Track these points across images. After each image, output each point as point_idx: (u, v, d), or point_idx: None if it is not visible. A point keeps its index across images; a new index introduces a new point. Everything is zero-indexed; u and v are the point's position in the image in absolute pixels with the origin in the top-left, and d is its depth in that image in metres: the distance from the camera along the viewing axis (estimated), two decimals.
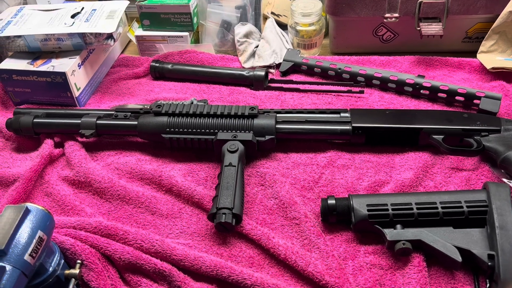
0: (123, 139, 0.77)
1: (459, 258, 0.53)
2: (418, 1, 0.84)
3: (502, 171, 0.65)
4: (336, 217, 0.59)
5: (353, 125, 0.69)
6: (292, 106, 0.81)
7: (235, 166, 0.64)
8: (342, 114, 0.72)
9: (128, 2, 0.88)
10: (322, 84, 0.85)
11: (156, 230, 0.62)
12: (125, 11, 1.00)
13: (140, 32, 0.95)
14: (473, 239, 0.54)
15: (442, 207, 0.56)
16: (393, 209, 0.57)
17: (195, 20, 0.94)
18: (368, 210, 0.57)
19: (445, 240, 0.54)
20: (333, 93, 0.83)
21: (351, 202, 0.58)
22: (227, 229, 0.59)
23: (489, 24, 0.86)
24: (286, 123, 0.71)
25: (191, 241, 0.60)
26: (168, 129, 0.70)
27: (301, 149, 0.72)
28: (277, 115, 0.73)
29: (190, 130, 0.70)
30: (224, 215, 0.57)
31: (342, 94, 0.83)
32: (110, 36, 0.83)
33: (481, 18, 0.87)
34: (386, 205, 0.57)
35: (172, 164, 0.71)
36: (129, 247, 0.56)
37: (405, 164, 0.68)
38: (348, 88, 0.83)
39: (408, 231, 0.56)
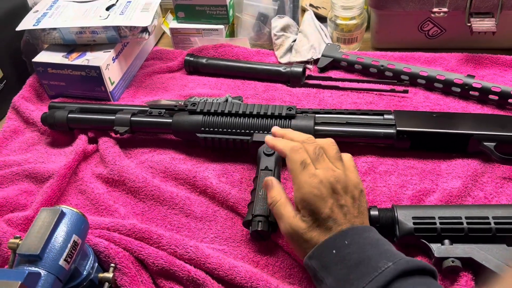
0: (157, 136, 0.75)
1: None
2: None
3: None
4: (379, 229, 0.56)
5: (397, 128, 0.66)
6: (330, 105, 0.78)
7: (271, 170, 0.61)
8: (385, 116, 0.68)
9: None
10: (363, 82, 0.81)
11: (191, 233, 0.60)
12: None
13: (174, 24, 0.93)
14: None
15: (495, 223, 0.52)
16: (441, 223, 0.53)
17: (231, 12, 0.91)
18: (414, 223, 0.53)
19: (498, 258, 0.50)
20: (375, 92, 0.79)
21: (396, 214, 0.55)
22: (262, 237, 0.57)
23: None
24: (325, 125, 0.68)
25: (226, 246, 0.58)
26: (203, 128, 0.68)
27: (341, 151, 0.69)
28: (316, 115, 0.69)
29: (225, 130, 0.67)
30: (260, 223, 0.55)
31: (384, 93, 0.79)
32: (145, 29, 0.81)
33: None
34: (434, 218, 0.53)
35: (206, 164, 0.69)
36: (163, 252, 0.55)
37: (453, 172, 0.64)
38: (391, 87, 0.78)
39: (458, 247, 0.52)
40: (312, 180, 0.48)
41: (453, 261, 0.51)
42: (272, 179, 0.54)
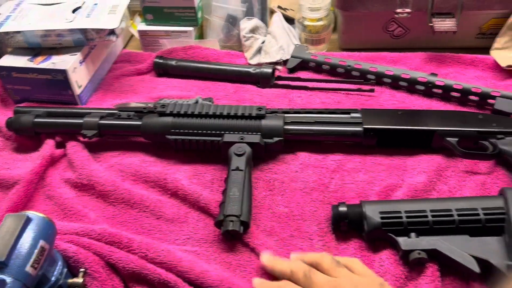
0: (126, 139, 0.74)
1: (477, 269, 0.51)
2: None
3: None
4: (348, 225, 0.57)
5: (364, 126, 0.67)
6: (300, 105, 0.79)
7: (242, 170, 0.61)
8: (352, 115, 0.70)
9: None
10: (331, 82, 0.82)
11: (163, 235, 0.60)
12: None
13: (143, 26, 0.92)
14: (490, 248, 0.52)
15: (458, 215, 0.54)
16: (407, 217, 0.54)
17: (199, 14, 0.91)
18: (381, 218, 0.55)
19: (461, 249, 0.52)
20: (343, 92, 0.81)
21: (364, 210, 0.56)
22: (235, 237, 0.57)
23: (504, 20, 0.83)
24: (294, 124, 0.69)
25: (198, 247, 0.58)
26: (173, 130, 0.68)
27: (309, 149, 0.70)
28: (286, 115, 0.70)
29: (195, 131, 0.67)
30: (231, 223, 0.55)
31: (351, 92, 0.81)
32: (112, 31, 0.80)
33: (496, 13, 0.84)
34: (400, 212, 0.55)
35: (177, 165, 0.69)
36: (134, 255, 0.54)
37: (418, 167, 0.66)
38: (358, 86, 0.80)
39: (423, 239, 0.54)
40: None
41: (419, 253, 0.52)
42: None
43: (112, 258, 0.54)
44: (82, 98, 0.81)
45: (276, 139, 0.67)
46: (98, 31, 0.79)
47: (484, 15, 0.85)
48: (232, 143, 0.65)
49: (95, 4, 0.82)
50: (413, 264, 0.53)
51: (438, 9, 0.82)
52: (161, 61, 0.87)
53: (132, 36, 1.00)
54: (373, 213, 0.55)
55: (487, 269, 0.51)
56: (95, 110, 0.73)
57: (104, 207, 0.64)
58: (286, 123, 0.69)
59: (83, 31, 0.78)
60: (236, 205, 0.57)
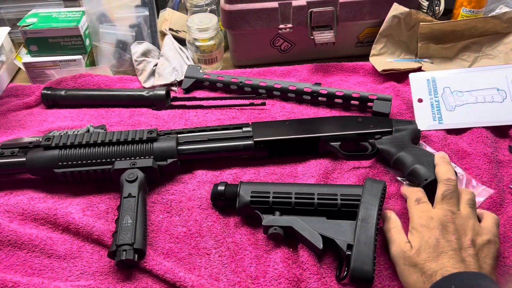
0: (13, 177, 0.70)
1: (320, 245, 0.56)
2: (309, 11, 0.86)
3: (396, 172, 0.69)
4: (224, 202, 0.63)
5: (254, 139, 0.70)
6: (196, 124, 0.80)
7: (134, 196, 0.61)
8: (244, 129, 0.72)
9: (9, 28, 0.82)
10: (225, 99, 0.84)
11: (54, 274, 0.57)
12: (10, 37, 0.94)
13: (28, 58, 0.89)
14: (341, 230, 0.57)
15: (318, 198, 0.59)
16: (274, 197, 0.60)
17: (87, 42, 0.90)
18: (251, 197, 0.60)
19: (315, 228, 0.57)
20: (237, 107, 0.83)
21: (238, 189, 0.61)
22: (130, 266, 0.56)
23: (377, 29, 0.91)
24: (188, 144, 0.70)
25: (93, 281, 0.56)
26: (60, 163, 0.65)
27: (206, 166, 0.71)
28: (179, 136, 0.71)
29: (85, 161, 0.66)
30: (124, 252, 0.54)
31: (245, 107, 0.83)
32: None
33: (369, 23, 0.92)
34: (269, 193, 0.61)
35: (70, 199, 0.67)
36: None
37: (307, 173, 0.69)
38: (251, 101, 0.83)
39: (283, 218, 0.59)
40: (422, 214, 0.55)
41: (275, 229, 0.58)
42: (391, 212, 0.59)
43: None
44: None
45: (170, 160, 0.67)
46: None
47: (359, 25, 0.92)
48: (123, 170, 0.64)
49: None
50: (271, 238, 0.60)
51: (316, 23, 0.88)
52: (49, 92, 0.84)
53: (19, 69, 0.96)
54: (245, 192, 0.61)
55: (335, 247, 0.57)
56: None
57: None
58: (179, 144, 0.69)
59: None
60: (129, 233, 0.56)
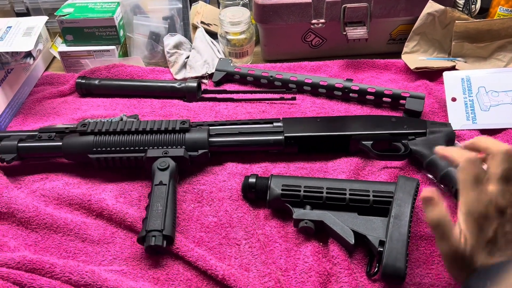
0: (49, 161, 0.72)
1: (352, 240, 0.56)
2: (342, 7, 0.86)
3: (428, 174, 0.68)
4: (254, 194, 0.63)
5: (285, 135, 0.70)
6: (226, 117, 0.80)
7: (166, 184, 0.62)
8: (275, 124, 0.72)
9: (47, 17, 0.83)
10: (255, 92, 0.85)
11: (88, 258, 0.59)
12: (47, 26, 0.96)
13: (63, 48, 0.91)
14: (372, 226, 0.57)
15: (350, 194, 0.59)
16: (305, 191, 0.60)
17: (121, 33, 0.91)
18: (282, 190, 0.61)
19: (346, 224, 0.57)
20: (267, 101, 0.84)
21: (269, 182, 0.62)
22: (158, 252, 0.57)
23: (411, 26, 0.89)
24: (219, 136, 0.70)
25: (125, 266, 0.58)
26: (94, 149, 0.67)
27: (236, 159, 0.72)
28: (210, 128, 0.72)
29: (118, 148, 0.67)
30: (154, 238, 0.56)
31: (275, 101, 0.83)
32: (29, 54, 0.78)
33: (403, 20, 0.91)
34: (300, 186, 0.61)
35: (103, 185, 0.68)
36: (57, 281, 0.53)
37: (338, 168, 0.69)
38: (281, 95, 0.83)
39: (314, 212, 0.59)
40: (481, 197, 0.45)
41: (306, 223, 0.58)
42: (433, 192, 0.46)
43: (33, 286, 0.52)
44: (0, 124, 0.78)
45: (201, 151, 0.68)
46: (13, 54, 0.77)
47: (392, 22, 0.91)
48: (156, 158, 0.65)
49: (9, 27, 0.80)
50: (302, 231, 0.60)
51: (349, 19, 0.87)
52: (83, 81, 0.85)
53: (54, 58, 0.98)
54: (276, 185, 0.61)
55: (366, 243, 0.56)
56: (15, 133, 0.71)
57: (26, 235, 0.62)
58: (210, 135, 0.70)
59: None
60: (158, 220, 0.57)
